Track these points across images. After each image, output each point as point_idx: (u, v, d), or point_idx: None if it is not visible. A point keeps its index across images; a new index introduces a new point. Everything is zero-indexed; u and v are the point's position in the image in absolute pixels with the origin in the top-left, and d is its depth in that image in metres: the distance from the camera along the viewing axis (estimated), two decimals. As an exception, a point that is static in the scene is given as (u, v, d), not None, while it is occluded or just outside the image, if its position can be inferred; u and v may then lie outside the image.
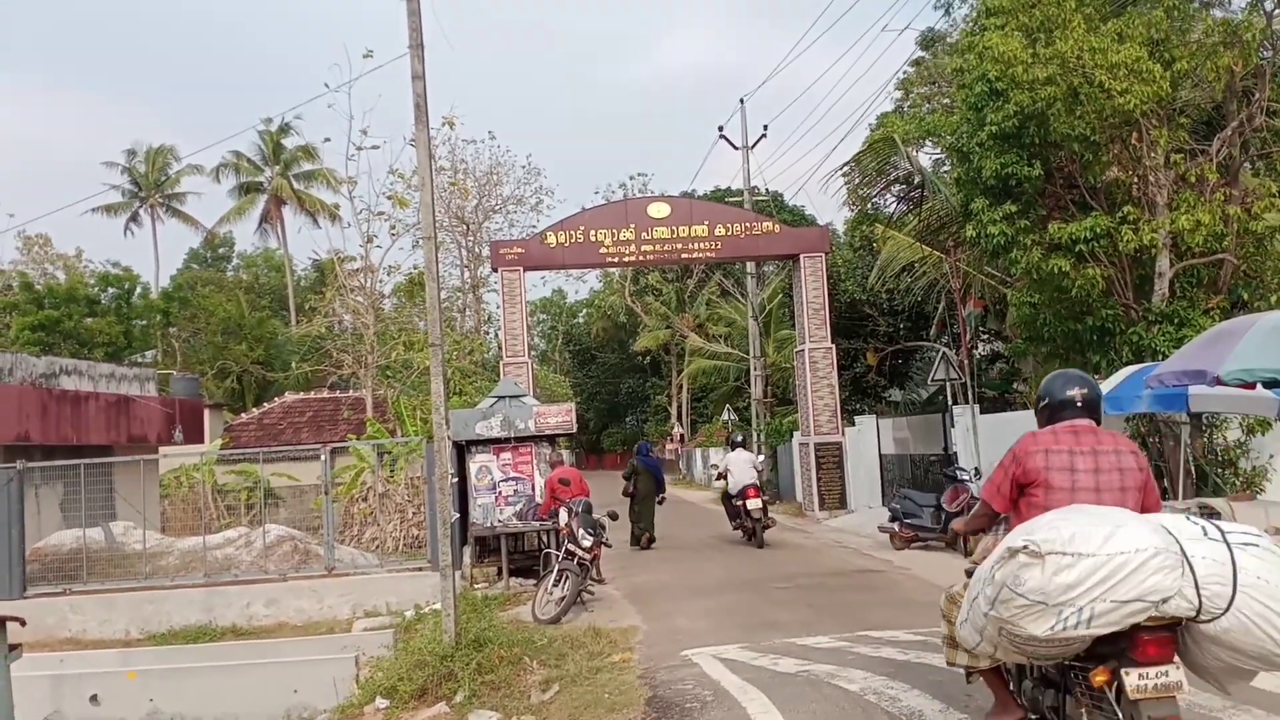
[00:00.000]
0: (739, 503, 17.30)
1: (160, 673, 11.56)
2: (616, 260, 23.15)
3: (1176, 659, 4.09)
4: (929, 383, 18.94)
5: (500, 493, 14.38)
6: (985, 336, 23.07)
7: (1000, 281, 17.41)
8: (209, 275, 52.82)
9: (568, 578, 11.33)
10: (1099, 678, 4.11)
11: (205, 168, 50.54)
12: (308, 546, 15.09)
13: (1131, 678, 4.01)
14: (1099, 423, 4.76)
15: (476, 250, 36.05)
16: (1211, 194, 11.66)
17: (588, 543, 11.59)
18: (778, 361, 31.03)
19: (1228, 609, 3.88)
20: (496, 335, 32.45)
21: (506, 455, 14.45)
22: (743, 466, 17.43)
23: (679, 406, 50.60)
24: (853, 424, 23.03)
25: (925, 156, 22.23)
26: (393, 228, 24.69)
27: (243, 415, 32.71)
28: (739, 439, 18.95)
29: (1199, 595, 3.88)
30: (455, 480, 10.85)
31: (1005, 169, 12.49)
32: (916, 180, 21.39)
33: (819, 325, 22.35)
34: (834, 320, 22.99)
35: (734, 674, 7.47)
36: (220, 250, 59.91)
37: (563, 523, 12.18)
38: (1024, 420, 16.08)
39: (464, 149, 44.58)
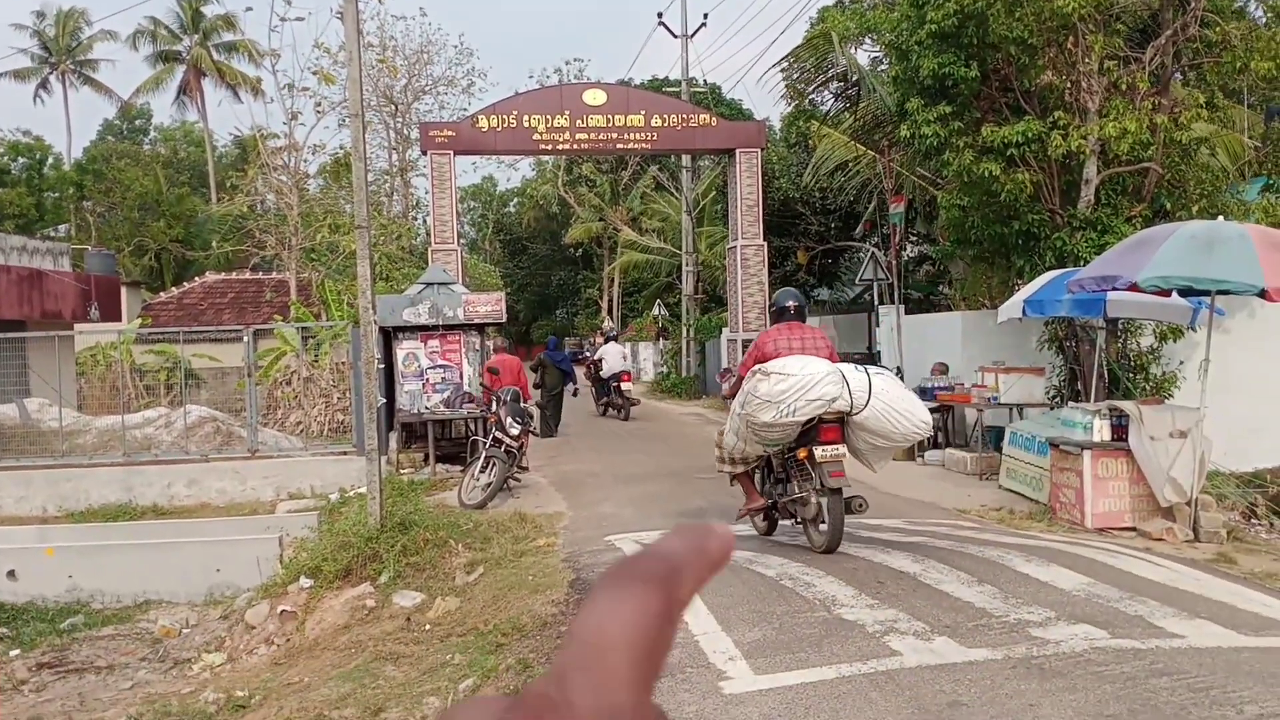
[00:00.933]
0: (614, 384, 20.59)
1: (80, 549, 11.48)
2: (550, 147, 22.74)
3: (842, 441, 7.15)
4: (856, 282, 19.14)
5: (428, 380, 14.33)
6: (914, 238, 23.28)
7: (931, 183, 17.50)
8: (125, 148, 50.66)
9: (495, 464, 11.40)
10: (801, 454, 7.27)
11: (120, 34, 48.28)
12: (230, 428, 14.95)
13: (818, 451, 7.09)
14: (804, 321, 7.81)
15: (405, 132, 35.05)
16: (1141, 102, 11.76)
17: (515, 431, 11.64)
18: (709, 259, 31.03)
19: (866, 405, 6.96)
20: (425, 221, 31.88)
21: (434, 343, 14.36)
22: (614, 356, 20.85)
23: (610, 300, 50.48)
24: (780, 321, 23.22)
25: (864, 55, 22.05)
26: (318, 105, 23.76)
27: (161, 294, 31.86)
28: (613, 334, 22.87)
29: (851, 398, 6.94)
30: (381, 366, 10.78)
31: (942, 69, 12.44)
32: (854, 78, 21.25)
33: (752, 222, 22.34)
34: (767, 218, 22.99)
35: (656, 559, 7.63)
36: (137, 122, 57.41)
37: (491, 411, 12.22)
38: (946, 321, 16.38)
39: (393, 25, 43.31)
